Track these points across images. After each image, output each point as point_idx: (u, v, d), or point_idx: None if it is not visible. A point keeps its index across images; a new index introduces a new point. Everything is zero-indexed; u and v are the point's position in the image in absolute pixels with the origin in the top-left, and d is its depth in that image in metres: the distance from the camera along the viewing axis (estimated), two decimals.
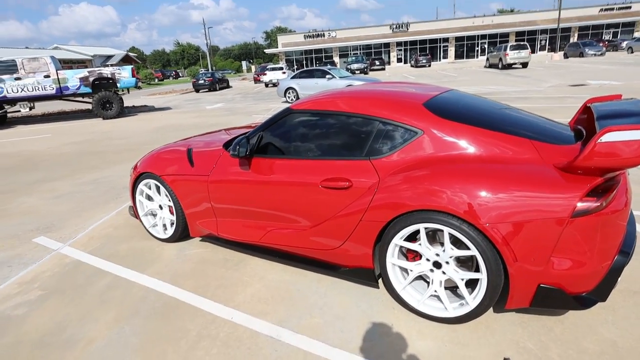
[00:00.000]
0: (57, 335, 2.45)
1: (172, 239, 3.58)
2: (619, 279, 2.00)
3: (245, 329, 2.38)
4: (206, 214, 3.24)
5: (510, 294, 2.06)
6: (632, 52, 31.69)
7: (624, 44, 35.24)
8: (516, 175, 2.00)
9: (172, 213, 3.51)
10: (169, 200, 3.46)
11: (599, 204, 1.86)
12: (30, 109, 14.86)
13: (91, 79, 14.43)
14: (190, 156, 3.32)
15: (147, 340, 2.34)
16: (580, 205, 1.86)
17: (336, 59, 47.26)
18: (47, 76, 13.97)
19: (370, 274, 2.52)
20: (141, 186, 3.61)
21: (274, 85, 26.74)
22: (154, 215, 3.77)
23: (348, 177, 2.44)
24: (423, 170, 2.20)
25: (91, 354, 2.25)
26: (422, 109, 2.40)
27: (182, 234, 3.50)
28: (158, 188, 3.55)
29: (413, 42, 48.30)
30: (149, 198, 3.71)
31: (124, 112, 15.57)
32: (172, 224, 3.54)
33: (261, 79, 30.62)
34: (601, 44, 33.96)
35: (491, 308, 2.34)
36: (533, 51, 43.52)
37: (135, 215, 3.79)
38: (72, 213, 4.64)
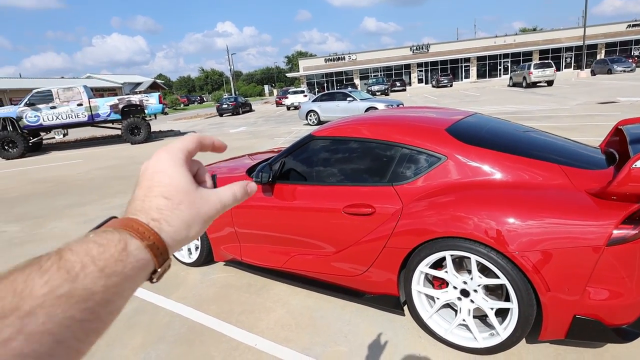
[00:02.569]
0: None
1: (197, 264, 3.62)
2: None
3: (269, 356, 2.35)
4: (230, 239, 3.27)
5: (544, 324, 1.97)
6: None
7: None
8: (546, 201, 1.95)
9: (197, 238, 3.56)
10: None
11: (636, 232, 1.78)
12: (64, 135, 15.56)
13: (120, 106, 15.04)
14: (214, 182, 3.38)
15: None
16: (616, 232, 1.78)
17: (357, 81, 47.78)
18: (80, 104, 14.64)
19: (396, 301, 2.46)
20: None
21: (296, 108, 27.15)
22: None
23: (371, 203, 2.42)
24: (448, 196, 2.17)
25: None
26: (444, 134, 2.38)
27: (206, 258, 3.53)
28: None
29: (434, 63, 48.43)
30: None
31: (151, 137, 16.09)
32: (196, 248, 3.59)
33: (283, 102, 31.18)
34: (630, 60, 33.12)
35: (524, 339, 2.24)
36: (558, 69, 42.82)
37: None
38: None
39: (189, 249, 3.70)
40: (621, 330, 1.88)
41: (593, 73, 32.87)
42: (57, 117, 14.50)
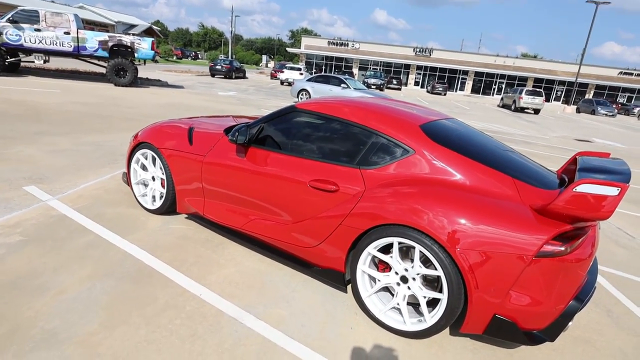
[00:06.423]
0: (30, 280, 2.52)
1: (159, 212, 3.65)
2: (571, 323, 2.09)
3: (212, 307, 2.46)
4: (195, 193, 3.32)
5: (467, 319, 2.15)
6: None
7: (636, 110, 35.68)
8: (492, 208, 2.10)
9: (163, 186, 3.59)
10: (162, 173, 3.54)
11: (563, 249, 1.96)
12: (45, 62, 14.95)
13: (110, 43, 14.51)
14: (190, 134, 3.41)
15: (115, 301, 2.41)
16: (545, 247, 1.96)
17: (355, 70, 47.59)
18: (67, 33, 14.03)
19: (340, 278, 2.60)
20: (138, 155, 3.70)
21: (289, 84, 26.92)
22: (145, 185, 3.85)
23: (336, 181, 2.53)
24: (407, 187, 2.30)
25: (60, 303, 2.33)
26: (417, 130, 2.50)
27: (169, 208, 3.58)
28: (154, 159, 3.63)
29: (433, 68, 48.72)
30: (144, 168, 3.79)
31: (137, 82, 15.64)
32: (161, 196, 3.62)
33: (278, 76, 30.83)
34: (614, 106, 34.35)
35: (447, 330, 2.43)
36: (547, 100, 43.99)
37: (128, 182, 3.87)
38: (67, 169, 4.71)
39: (153, 196, 3.73)
40: (531, 334, 2.08)
41: (578, 110, 33.92)
42: (41, 41, 13.85)
